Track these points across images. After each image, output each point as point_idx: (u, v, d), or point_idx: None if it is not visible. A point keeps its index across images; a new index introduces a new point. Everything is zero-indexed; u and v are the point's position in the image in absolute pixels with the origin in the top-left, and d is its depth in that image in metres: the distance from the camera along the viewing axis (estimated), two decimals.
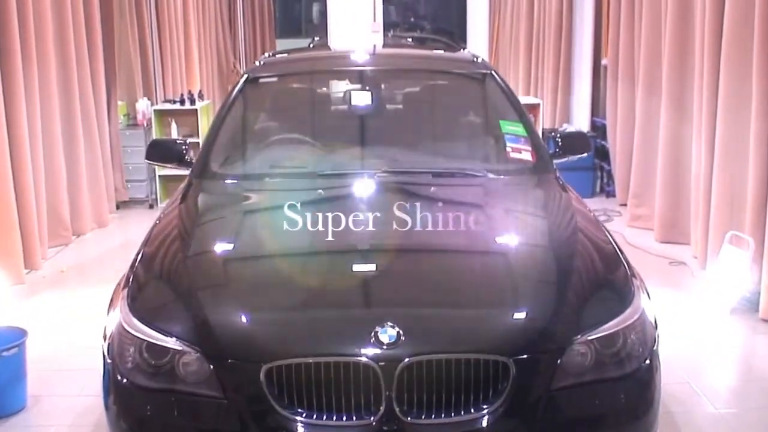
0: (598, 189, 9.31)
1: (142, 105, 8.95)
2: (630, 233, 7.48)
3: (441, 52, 5.58)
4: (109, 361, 3.01)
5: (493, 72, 4.75)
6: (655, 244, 7.16)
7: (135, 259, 3.38)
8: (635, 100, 7.84)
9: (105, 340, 3.10)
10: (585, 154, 4.62)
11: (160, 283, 3.23)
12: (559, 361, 2.81)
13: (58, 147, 7.15)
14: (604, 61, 9.12)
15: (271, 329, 2.90)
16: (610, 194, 8.94)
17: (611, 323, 2.94)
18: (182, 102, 8.89)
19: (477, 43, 12.78)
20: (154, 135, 8.67)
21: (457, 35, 15.70)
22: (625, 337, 2.94)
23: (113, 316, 3.12)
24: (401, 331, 2.75)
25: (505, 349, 2.76)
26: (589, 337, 2.87)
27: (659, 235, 7.23)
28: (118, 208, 8.66)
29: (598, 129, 9.27)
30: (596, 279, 3.22)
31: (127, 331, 2.96)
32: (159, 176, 8.66)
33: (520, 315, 2.93)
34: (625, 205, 8.18)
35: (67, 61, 7.32)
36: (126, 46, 9.25)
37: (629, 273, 3.24)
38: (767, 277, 5.26)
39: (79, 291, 6.10)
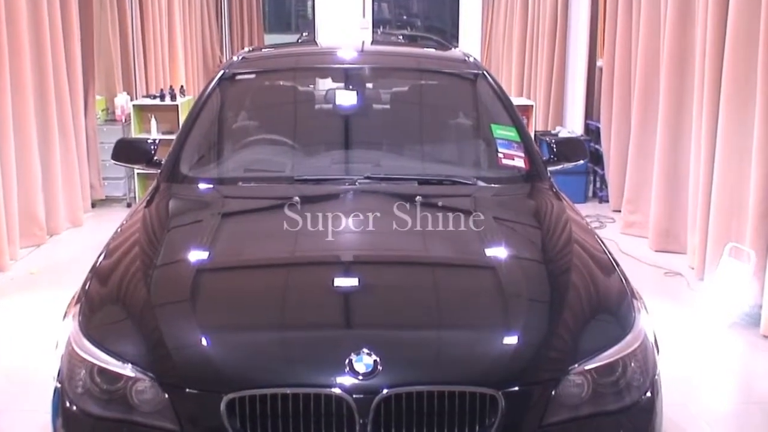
0: (590, 194, 9.06)
1: (121, 100, 8.66)
2: (623, 241, 7.23)
3: (431, 50, 5.30)
4: (58, 385, 2.74)
5: (485, 72, 4.49)
6: (650, 252, 6.90)
7: (90, 272, 3.10)
8: (631, 103, 7.60)
9: (56, 348, 2.84)
10: (581, 162, 4.37)
11: (115, 299, 2.93)
12: (553, 393, 2.55)
13: (31, 143, 6.85)
14: (599, 63, 8.89)
15: (233, 355, 2.61)
16: (603, 200, 8.71)
17: (610, 351, 2.68)
18: (162, 97, 8.60)
19: (469, 42, 12.55)
20: (133, 131, 8.42)
21: (449, 34, 15.50)
22: (625, 365, 2.69)
23: (64, 330, 2.85)
24: (378, 360, 2.49)
25: (493, 381, 2.50)
26: (586, 367, 2.62)
27: (654, 243, 6.98)
28: (93, 206, 8.37)
29: (592, 132, 9.03)
30: (594, 300, 2.95)
31: (77, 353, 2.69)
32: (137, 174, 8.38)
33: (511, 341, 2.65)
34: (619, 211, 7.92)
35: (42, 53, 7.01)
36: (106, 39, 8.96)
37: (629, 293, 2.98)
38: None
39: (48, 295, 5.79)
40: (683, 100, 6.59)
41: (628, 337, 2.74)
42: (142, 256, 3.14)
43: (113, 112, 8.81)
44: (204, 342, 2.63)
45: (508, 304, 2.87)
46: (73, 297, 3.05)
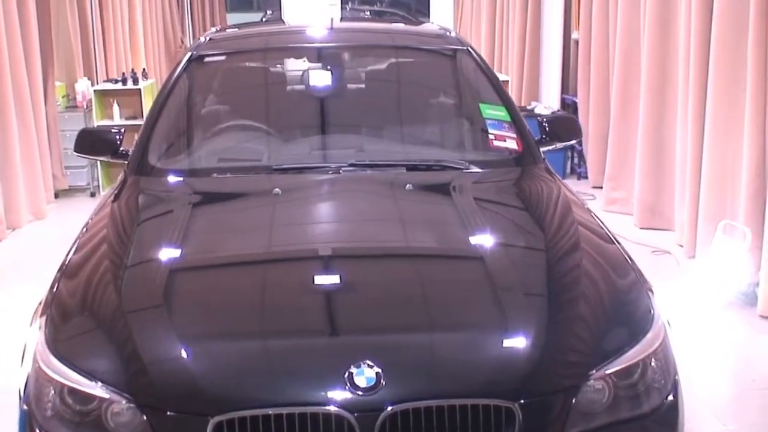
0: (568, 170, 8.86)
1: (82, 86, 8.34)
2: (606, 218, 6.86)
3: (409, 26, 5.05)
4: (24, 407, 2.47)
5: (468, 48, 4.24)
6: (635, 230, 6.70)
7: (56, 279, 2.82)
8: (610, 76, 7.38)
9: (22, 362, 2.59)
10: (574, 141, 4.15)
11: (84, 310, 2.65)
12: (573, 401, 2.33)
13: None
14: (575, 35, 8.66)
15: (219, 372, 2.36)
16: (582, 176, 8.52)
17: (632, 352, 2.47)
18: (124, 82, 8.30)
19: (440, 15, 12.26)
20: (95, 117, 8.13)
21: (414, 9, 15.24)
22: (646, 367, 2.48)
23: (30, 341, 2.60)
24: (381, 372, 2.26)
25: (509, 392, 2.28)
26: (607, 371, 2.40)
27: (639, 220, 6.79)
28: (56, 197, 8.06)
29: (569, 107, 8.84)
30: (610, 296, 2.73)
31: (45, 372, 2.43)
32: (101, 162, 8.05)
33: (527, 346, 2.43)
34: (599, 187, 7.73)
35: None
36: (64, 22, 8.59)
37: (644, 285, 2.77)
38: (767, 269, 4.82)
39: (12, 294, 5.50)
40: (667, 70, 6.38)
41: (649, 336, 2.54)
42: (111, 260, 2.87)
43: (74, 99, 8.51)
44: (185, 356, 2.38)
45: (521, 303, 2.64)
46: (40, 303, 2.78)
